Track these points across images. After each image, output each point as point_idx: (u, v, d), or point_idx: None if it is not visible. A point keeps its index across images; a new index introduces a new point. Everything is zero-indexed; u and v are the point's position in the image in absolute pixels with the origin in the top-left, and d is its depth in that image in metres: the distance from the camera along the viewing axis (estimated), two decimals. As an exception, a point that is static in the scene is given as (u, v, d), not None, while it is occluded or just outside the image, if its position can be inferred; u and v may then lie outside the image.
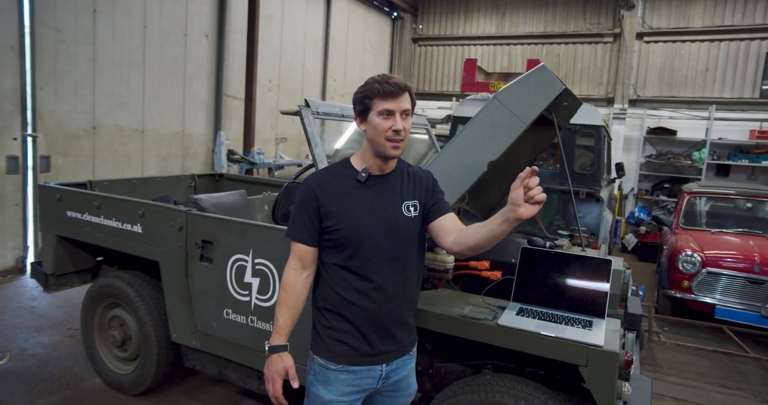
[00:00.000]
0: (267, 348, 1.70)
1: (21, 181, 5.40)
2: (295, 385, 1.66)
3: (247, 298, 2.62)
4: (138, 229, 2.99)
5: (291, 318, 1.71)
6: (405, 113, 1.65)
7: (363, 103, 1.66)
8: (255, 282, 2.58)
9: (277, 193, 3.07)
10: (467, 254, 1.73)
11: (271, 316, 2.54)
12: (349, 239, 1.67)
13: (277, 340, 1.69)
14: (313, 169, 2.42)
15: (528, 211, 1.46)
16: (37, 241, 5.56)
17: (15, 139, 5.27)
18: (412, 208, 1.76)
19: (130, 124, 6.41)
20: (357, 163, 1.75)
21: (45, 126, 5.49)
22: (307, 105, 2.41)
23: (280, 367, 1.66)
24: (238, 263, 2.63)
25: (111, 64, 6.07)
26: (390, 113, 1.63)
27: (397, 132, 1.63)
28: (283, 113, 2.51)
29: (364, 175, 1.70)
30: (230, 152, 7.51)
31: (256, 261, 2.56)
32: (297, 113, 2.37)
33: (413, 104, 1.70)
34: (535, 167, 1.46)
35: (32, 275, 3.75)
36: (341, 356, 1.71)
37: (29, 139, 5.39)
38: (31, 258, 5.57)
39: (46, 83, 5.43)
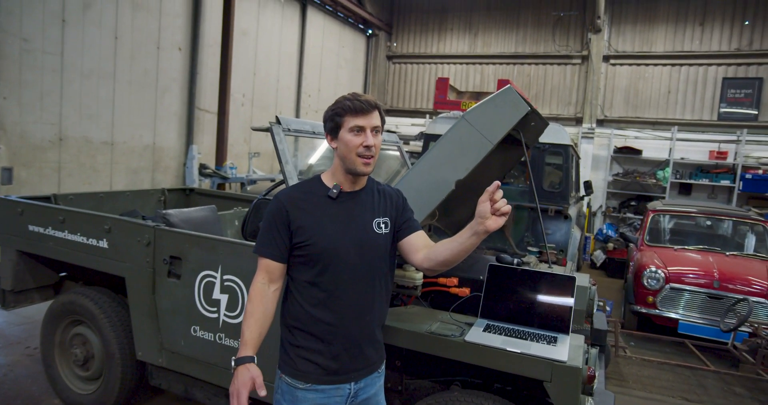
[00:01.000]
0: (233, 362, 1.63)
1: (-19, 194, 5.22)
2: (262, 393, 1.58)
3: (216, 315, 2.58)
4: (104, 244, 2.92)
5: (258, 331, 1.66)
6: (375, 130, 1.69)
7: (334, 120, 1.69)
8: (224, 298, 2.55)
9: (247, 209, 3.05)
10: (438, 270, 1.76)
11: (239, 333, 2.51)
12: (319, 255, 1.67)
13: (243, 352, 1.63)
14: (283, 186, 2.42)
15: (495, 223, 1.53)
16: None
17: (-24, 150, 5.12)
18: (383, 225, 1.78)
19: (99, 137, 6.29)
20: (328, 180, 1.76)
21: (8, 137, 5.34)
22: (278, 122, 2.43)
23: (246, 377, 1.58)
24: (206, 279, 2.60)
25: (80, 74, 5.97)
26: (361, 129, 1.66)
27: (368, 148, 1.66)
28: (254, 129, 2.52)
29: (335, 191, 1.71)
30: (202, 166, 7.43)
31: (225, 277, 2.53)
32: (268, 130, 2.38)
33: (383, 122, 1.74)
34: (498, 182, 1.54)
35: (-11, 292, 3.61)
36: (309, 375, 1.69)
37: (-9, 151, 5.24)
38: (-11, 273, 5.36)
39: (9, 93, 5.30)
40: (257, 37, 8.82)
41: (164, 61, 7.08)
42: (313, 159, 9.88)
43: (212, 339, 2.60)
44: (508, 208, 1.53)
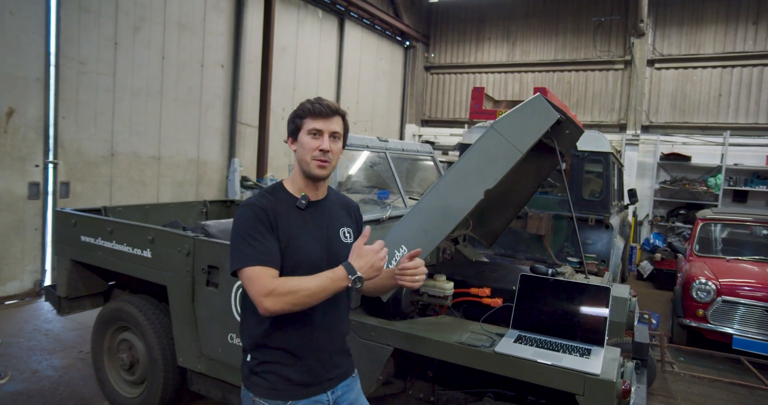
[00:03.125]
0: (350, 274, 1.51)
1: (41, 207, 5.58)
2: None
3: (251, 323, 2.65)
4: (147, 253, 3.06)
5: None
6: (334, 135, 1.66)
7: (294, 122, 1.68)
8: (258, 307, 2.61)
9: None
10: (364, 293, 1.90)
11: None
12: (293, 268, 1.61)
13: (338, 271, 1.53)
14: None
15: (409, 284, 1.68)
16: (54, 265, 5.69)
17: (37, 166, 5.47)
18: (348, 235, 1.78)
19: (146, 152, 6.60)
20: (290, 187, 1.73)
21: (65, 153, 5.69)
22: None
23: (363, 250, 1.55)
24: (242, 289, 2.67)
25: (130, 93, 6.30)
26: (319, 133, 1.64)
27: (323, 152, 1.63)
28: (286, 142, 2.58)
29: (303, 202, 1.67)
30: (243, 179, 7.65)
31: (260, 286, 2.59)
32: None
33: (346, 130, 1.72)
34: (414, 254, 1.69)
35: (46, 298, 3.84)
36: (285, 392, 1.63)
37: (50, 166, 5.59)
38: (48, 281, 5.70)
39: (68, 112, 5.66)
40: (296, 52, 9.06)
41: (207, 79, 7.38)
42: (352, 170, 9.97)
43: (248, 346, 2.66)
44: (418, 283, 1.66)
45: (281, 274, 1.57)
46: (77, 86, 5.72)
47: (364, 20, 10.71)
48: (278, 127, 8.60)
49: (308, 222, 1.68)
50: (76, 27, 5.63)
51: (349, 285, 1.52)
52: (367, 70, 11.25)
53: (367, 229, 1.61)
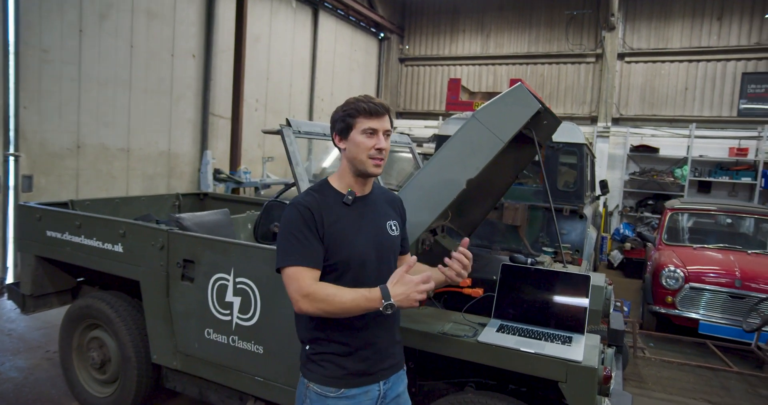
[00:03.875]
0: (384, 300, 1.51)
1: (1, 201, 5.34)
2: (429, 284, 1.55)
3: (229, 318, 2.59)
4: (119, 248, 2.96)
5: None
6: (387, 133, 1.70)
7: (345, 121, 1.68)
8: (236, 301, 2.56)
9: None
10: None
11: (252, 335, 2.52)
12: (343, 263, 1.66)
13: (374, 293, 1.54)
14: (294, 189, 2.43)
15: (452, 275, 1.72)
16: (17, 262, 5.47)
17: (-3, 158, 5.23)
18: (394, 227, 1.80)
19: (115, 144, 6.39)
20: (336, 184, 1.75)
21: (28, 145, 5.45)
22: (289, 124, 2.43)
23: (407, 278, 1.53)
24: (219, 282, 2.61)
25: (96, 83, 6.08)
26: (374, 132, 1.66)
27: (380, 151, 1.66)
28: (265, 132, 2.53)
29: (350, 198, 1.71)
30: (216, 171, 7.50)
31: (238, 280, 2.54)
32: (278, 132, 2.39)
33: (392, 125, 1.75)
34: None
35: (9, 297, 3.68)
36: (340, 380, 1.67)
37: (11, 159, 5.35)
38: (10, 279, 5.47)
39: (30, 102, 5.42)
40: (270, 42, 8.90)
41: (178, 69, 7.17)
42: (327, 162, 9.92)
43: (225, 342, 2.61)
44: (460, 278, 1.72)
45: (331, 270, 1.64)
46: (39, 75, 5.48)
47: (339, 11, 10.59)
48: (252, 119, 8.45)
49: (356, 217, 1.71)
50: (36, 13, 5.38)
51: (380, 309, 1.53)
52: (342, 61, 11.14)
53: (413, 259, 1.58)
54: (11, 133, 5.32)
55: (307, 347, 1.73)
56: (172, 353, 2.85)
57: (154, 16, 6.71)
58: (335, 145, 1.75)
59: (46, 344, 4.29)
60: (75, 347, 3.32)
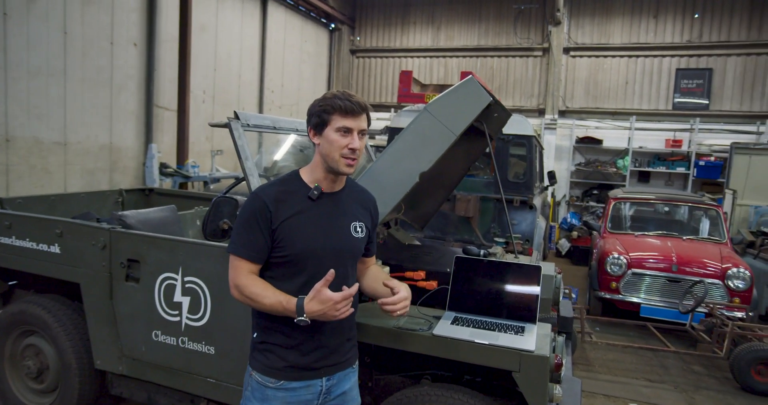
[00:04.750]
0: (299, 315, 1.55)
1: None
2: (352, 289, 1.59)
3: (177, 319, 2.50)
4: (56, 249, 2.78)
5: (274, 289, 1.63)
6: (362, 132, 1.68)
7: (320, 116, 1.65)
8: (185, 301, 2.47)
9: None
10: (362, 291, 2.00)
11: (203, 336, 2.44)
12: (297, 258, 1.65)
13: (290, 302, 1.57)
14: (244, 183, 2.35)
15: (392, 315, 1.78)
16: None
17: None
18: (359, 229, 1.78)
19: (49, 137, 6.00)
20: (307, 177, 1.73)
21: (-50, 139, 5.04)
22: (237, 117, 2.35)
23: (321, 296, 1.54)
24: (167, 282, 2.51)
25: (26, 72, 5.67)
26: (348, 131, 1.64)
27: (353, 150, 1.64)
28: (212, 125, 2.43)
29: (316, 193, 1.68)
30: (163, 166, 7.19)
31: (186, 279, 2.45)
32: (226, 126, 2.31)
33: (369, 124, 1.73)
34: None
35: (-68, 304, 3.39)
36: (280, 371, 1.67)
37: (-69, 154, 4.93)
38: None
39: (-50, 93, 5.00)
40: (217, 32, 8.59)
41: (119, 58, 6.80)
42: (278, 155, 9.72)
43: (175, 343, 2.51)
44: (400, 313, 1.77)
45: (285, 262, 1.66)
46: (-40, 63, 5.06)
47: (288, 1, 10.35)
48: (199, 111, 8.15)
49: (318, 213, 1.68)
50: (-47, -7, 4.95)
51: (294, 320, 1.57)
52: (292, 53, 10.92)
53: (330, 273, 1.56)
54: (-70, 126, 4.90)
55: (255, 335, 1.75)
56: (117, 358, 2.71)
57: (89, 1, 6.32)
58: (310, 139, 1.72)
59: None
60: (8, 356, 3.11)
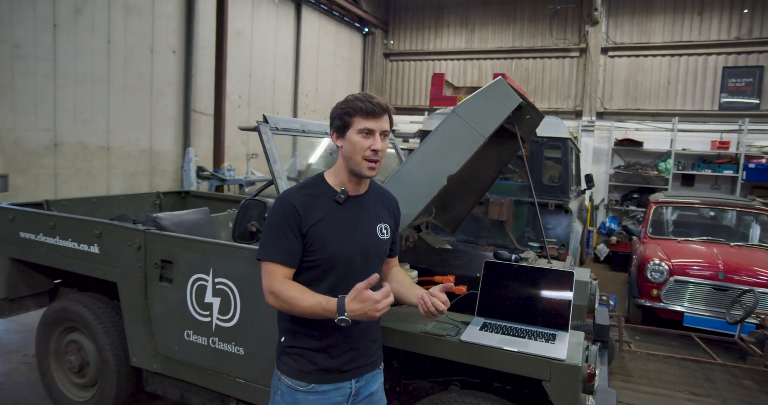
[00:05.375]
0: (340, 315, 1.53)
1: (-23, 202, 5.19)
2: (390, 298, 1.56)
3: (208, 319, 2.54)
4: (95, 249, 2.88)
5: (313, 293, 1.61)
6: (384, 134, 1.67)
7: (342, 119, 1.65)
8: (216, 302, 2.50)
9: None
10: None
11: (232, 337, 2.47)
12: (326, 261, 1.65)
13: (330, 303, 1.55)
14: (272, 187, 2.37)
15: (425, 313, 1.79)
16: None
17: (-30, 158, 5.09)
18: (385, 231, 1.79)
19: (94, 142, 6.25)
20: (331, 179, 1.73)
21: (2, 143, 5.31)
22: (266, 121, 2.37)
23: (362, 296, 1.52)
24: (198, 283, 2.55)
25: (73, 80, 5.93)
26: (370, 132, 1.63)
27: (375, 152, 1.63)
28: (242, 129, 2.47)
29: (342, 196, 1.69)
30: (200, 169, 7.38)
31: (217, 280, 2.49)
32: (255, 129, 2.33)
33: (391, 125, 1.72)
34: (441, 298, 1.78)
35: (-17, 300, 3.57)
36: (310, 375, 1.67)
37: (-15, 158, 5.21)
38: (-13, 282, 5.33)
39: (3, 100, 5.27)
40: (252, 37, 8.77)
41: (158, 64, 7.04)
42: (312, 158, 9.81)
43: (205, 343, 2.55)
44: (434, 315, 1.78)
45: (315, 266, 1.65)
46: (12, 71, 5.33)
47: (322, 6, 10.48)
48: (234, 115, 8.33)
49: (345, 217, 1.69)
50: (7, 6, 5.22)
51: (335, 320, 1.55)
52: (326, 57, 11.04)
53: (374, 276, 1.55)
54: (-16, 132, 5.18)
55: (282, 339, 1.74)
56: (151, 356, 2.78)
57: (132, 11, 6.57)
58: (333, 142, 1.72)
59: (24, 348, 4.18)
60: (52, 351, 3.24)
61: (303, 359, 1.68)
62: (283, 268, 1.63)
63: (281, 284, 1.61)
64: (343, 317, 1.53)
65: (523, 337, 1.98)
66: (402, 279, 1.94)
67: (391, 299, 1.56)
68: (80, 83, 6.02)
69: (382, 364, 1.87)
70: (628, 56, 10.62)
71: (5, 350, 4.14)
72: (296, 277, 1.69)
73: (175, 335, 2.66)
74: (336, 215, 1.68)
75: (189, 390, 2.80)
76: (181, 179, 7.41)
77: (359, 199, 1.75)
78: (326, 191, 1.70)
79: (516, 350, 1.85)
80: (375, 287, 1.60)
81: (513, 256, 2.62)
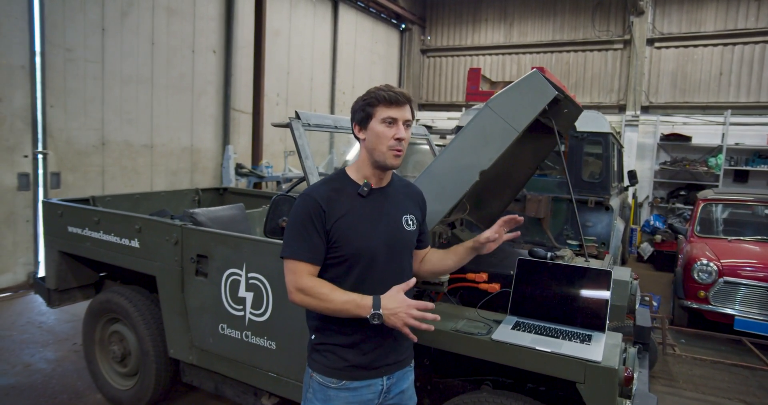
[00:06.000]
0: (374, 309, 1.52)
1: (32, 198, 5.48)
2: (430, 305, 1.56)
3: (242, 313, 2.58)
4: (135, 243, 2.98)
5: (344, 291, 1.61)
6: (407, 123, 1.66)
7: (365, 110, 1.65)
8: (249, 296, 2.54)
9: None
10: (426, 278, 2.11)
11: (265, 331, 2.50)
12: (352, 255, 1.64)
13: (365, 301, 1.55)
14: (305, 183, 2.39)
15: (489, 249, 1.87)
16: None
17: (26, 156, 5.36)
18: (410, 222, 1.77)
19: (139, 140, 6.49)
20: (354, 174, 1.72)
21: (55, 143, 5.58)
22: (298, 117, 2.39)
23: (401, 296, 1.54)
24: (232, 277, 2.60)
25: (119, 81, 6.17)
26: (393, 121, 1.62)
27: (399, 141, 1.62)
28: (274, 125, 2.49)
29: (366, 189, 1.67)
30: (238, 166, 7.54)
31: (250, 275, 2.53)
32: (287, 125, 2.35)
33: (413, 116, 1.71)
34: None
35: (36, 291, 3.77)
36: (342, 372, 1.67)
37: (40, 156, 5.48)
38: (41, 273, 5.62)
39: (56, 101, 5.53)
40: (290, 36, 8.89)
41: (199, 64, 7.23)
42: (350, 155, 9.85)
43: (239, 337, 2.60)
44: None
45: (340, 262, 1.64)
46: (64, 74, 5.59)
47: (359, 3, 10.50)
48: (272, 113, 8.47)
49: (370, 210, 1.68)
50: (60, 12, 5.47)
51: (367, 317, 1.54)
52: (363, 54, 11.06)
53: (412, 280, 1.62)
54: (39, 132, 5.45)
55: (313, 337, 1.73)
56: (188, 348, 2.86)
57: (174, 13, 6.77)
58: (355, 136, 1.71)
59: (74, 337, 4.39)
60: (97, 341, 3.38)
61: (334, 356, 1.67)
62: (308, 265, 1.62)
63: (309, 281, 1.60)
64: (378, 312, 1.52)
65: (557, 338, 1.92)
66: (441, 253, 1.94)
67: (422, 315, 1.53)
68: (126, 84, 6.25)
69: (413, 361, 1.85)
70: (676, 47, 10.15)
71: (56, 338, 4.35)
72: (322, 275, 1.68)
73: (210, 328, 2.72)
74: (360, 209, 1.66)
75: (223, 382, 2.86)
76: (221, 176, 7.60)
77: (383, 191, 1.73)
78: (348, 185, 1.69)
79: (549, 351, 1.80)
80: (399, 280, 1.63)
81: (548, 254, 2.54)
